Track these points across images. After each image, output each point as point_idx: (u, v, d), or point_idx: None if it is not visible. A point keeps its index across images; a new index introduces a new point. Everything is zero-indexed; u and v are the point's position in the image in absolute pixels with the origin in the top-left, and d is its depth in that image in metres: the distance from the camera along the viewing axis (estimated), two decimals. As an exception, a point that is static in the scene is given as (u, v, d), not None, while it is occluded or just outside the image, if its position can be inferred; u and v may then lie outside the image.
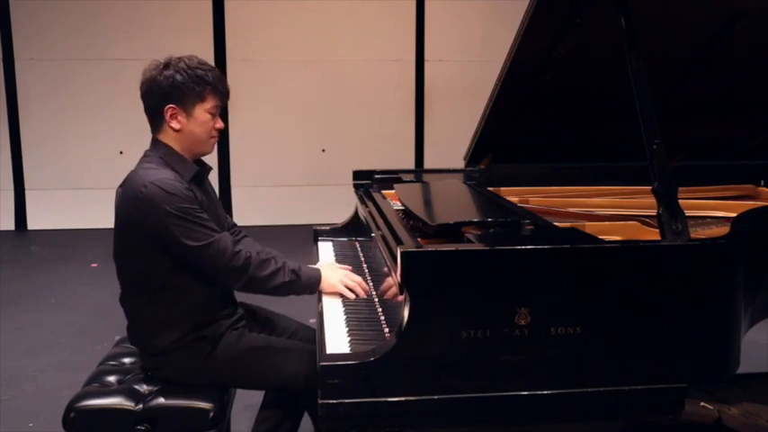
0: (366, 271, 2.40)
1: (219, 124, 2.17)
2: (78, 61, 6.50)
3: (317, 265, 2.31)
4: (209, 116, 2.11)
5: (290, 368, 2.10)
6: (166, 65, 2.09)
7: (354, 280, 2.18)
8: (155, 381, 2.13)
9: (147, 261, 2.05)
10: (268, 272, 2.05)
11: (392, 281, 1.88)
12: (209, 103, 2.11)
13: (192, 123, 2.10)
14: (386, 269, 1.98)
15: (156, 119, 2.13)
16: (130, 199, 2.02)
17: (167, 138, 2.12)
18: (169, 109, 2.08)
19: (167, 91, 2.07)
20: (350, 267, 2.32)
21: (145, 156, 2.15)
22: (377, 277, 2.25)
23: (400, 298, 1.74)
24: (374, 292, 2.19)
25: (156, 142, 2.15)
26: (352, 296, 2.14)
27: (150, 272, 2.06)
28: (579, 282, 1.72)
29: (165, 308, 2.08)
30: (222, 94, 2.14)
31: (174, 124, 2.10)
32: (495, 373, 1.68)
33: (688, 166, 2.79)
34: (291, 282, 2.09)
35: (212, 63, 7.05)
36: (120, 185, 2.12)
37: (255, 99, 6.70)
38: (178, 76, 2.06)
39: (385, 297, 2.02)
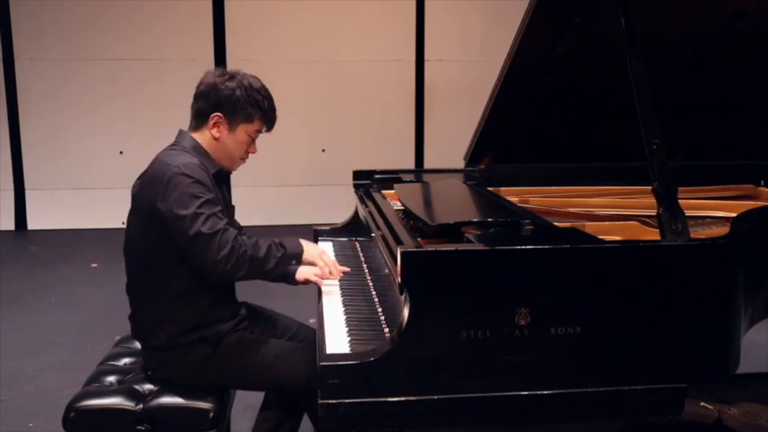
0: (366, 271, 2.40)
1: (254, 149, 2.23)
2: (78, 61, 6.50)
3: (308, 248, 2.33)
4: (248, 138, 2.18)
5: (290, 368, 2.10)
6: (231, 77, 2.15)
7: (327, 261, 2.21)
8: (155, 381, 2.13)
9: (156, 252, 2.05)
10: (263, 252, 2.06)
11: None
12: (254, 127, 2.17)
13: (231, 138, 2.16)
14: (386, 270, 1.98)
15: (200, 120, 2.17)
16: (152, 181, 2.05)
17: (203, 139, 2.17)
18: (216, 116, 2.13)
19: (222, 101, 2.12)
20: (348, 269, 2.33)
21: (172, 145, 2.18)
22: (377, 277, 2.25)
23: (400, 298, 1.74)
24: (374, 292, 2.19)
25: (185, 135, 2.19)
26: (326, 273, 2.17)
27: (158, 262, 2.06)
28: (579, 282, 1.72)
29: (168, 302, 2.08)
30: (268, 124, 2.21)
31: (215, 132, 2.15)
32: (495, 373, 1.68)
33: (688, 166, 2.79)
34: (282, 256, 2.10)
35: (212, 63, 7.08)
36: (139, 177, 2.15)
37: (255, 99, 6.69)
38: (238, 92, 2.12)
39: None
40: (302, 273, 2.15)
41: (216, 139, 2.16)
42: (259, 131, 2.20)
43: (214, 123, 2.14)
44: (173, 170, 2.01)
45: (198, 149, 2.15)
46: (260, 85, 2.18)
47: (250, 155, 2.24)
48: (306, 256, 2.18)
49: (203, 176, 2.05)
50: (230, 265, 1.98)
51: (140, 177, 2.15)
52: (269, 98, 2.19)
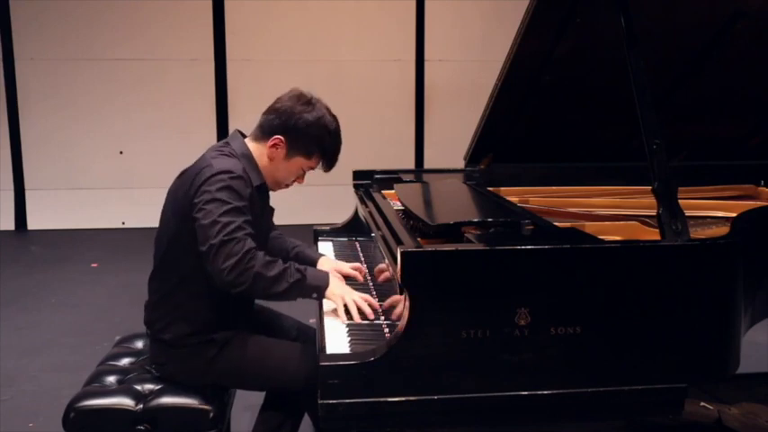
0: (366, 271, 2.39)
1: (301, 181, 2.22)
2: (78, 61, 6.50)
3: (323, 264, 2.31)
4: (300, 171, 2.18)
5: (291, 368, 2.09)
6: (312, 108, 2.13)
7: (356, 301, 2.02)
8: (155, 380, 2.13)
9: (182, 246, 2.04)
10: (274, 273, 1.96)
11: (398, 301, 1.80)
12: (309, 164, 2.17)
13: (284, 164, 2.15)
14: (386, 268, 1.98)
15: (263, 134, 2.15)
16: (191, 177, 2.03)
17: (256, 150, 2.15)
18: (278, 139, 2.11)
19: (291, 128, 2.11)
20: (359, 275, 2.28)
21: (222, 145, 2.16)
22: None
23: (401, 298, 1.74)
24: (374, 292, 2.19)
25: (239, 139, 2.16)
26: (343, 315, 2.00)
27: (183, 259, 2.05)
28: (579, 282, 1.72)
29: (187, 299, 2.07)
30: (326, 164, 2.19)
31: (272, 152, 2.13)
32: (495, 373, 1.68)
33: (688, 166, 2.79)
34: (297, 282, 1.99)
35: (212, 63, 7.06)
36: (182, 172, 2.14)
37: (255, 99, 6.65)
38: (311, 129, 2.11)
39: (392, 318, 1.95)
40: (333, 294, 2.04)
41: (270, 159, 2.13)
42: (313, 168, 2.19)
43: (274, 144, 2.11)
44: (213, 171, 1.99)
45: (247, 157, 2.12)
46: (335, 127, 2.15)
47: (296, 184, 2.22)
48: (329, 293, 2.04)
49: (239, 185, 2.00)
50: (233, 276, 1.91)
51: (183, 172, 2.13)
52: (337, 143, 2.16)
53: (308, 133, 2.11)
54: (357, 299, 2.02)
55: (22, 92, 6.50)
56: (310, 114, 2.11)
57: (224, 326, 2.10)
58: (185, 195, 2.03)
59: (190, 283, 2.07)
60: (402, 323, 1.67)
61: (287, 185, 2.23)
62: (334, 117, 2.17)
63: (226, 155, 2.10)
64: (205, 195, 1.97)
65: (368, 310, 1.99)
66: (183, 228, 2.03)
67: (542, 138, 2.90)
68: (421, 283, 1.66)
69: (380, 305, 2.05)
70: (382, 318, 2.03)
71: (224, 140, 2.19)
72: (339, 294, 2.05)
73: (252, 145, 2.16)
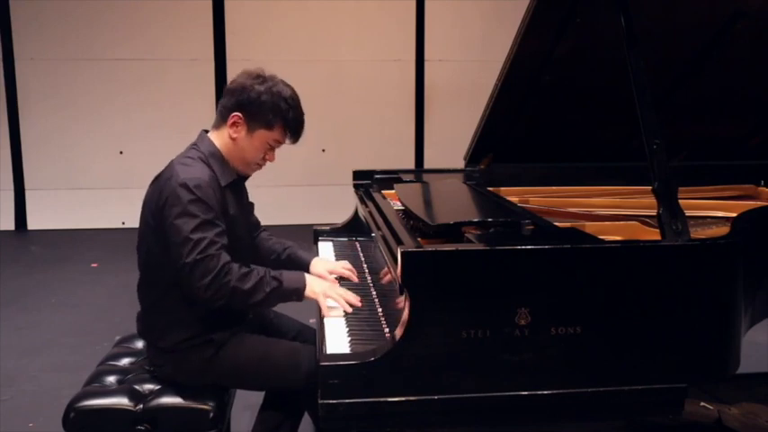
0: (366, 271, 2.40)
1: (271, 157, 2.18)
2: (78, 61, 6.50)
3: (316, 265, 2.31)
4: (266, 145, 2.13)
5: (290, 369, 2.09)
6: (263, 81, 2.10)
7: (338, 293, 2.08)
8: (155, 381, 2.13)
9: (164, 253, 2.03)
10: (250, 284, 1.98)
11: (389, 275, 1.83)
12: (272, 136, 2.12)
13: (248, 141, 2.11)
14: (386, 269, 1.98)
15: (221, 118, 2.14)
16: (160, 188, 2.03)
17: (219, 138, 2.13)
18: (236, 116, 2.09)
19: (246, 102, 2.08)
20: (353, 275, 2.30)
21: (190, 148, 2.15)
22: (377, 277, 2.25)
23: (400, 298, 1.74)
24: (374, 292, 2.19)
25: (205, 137, 2.15)
26: (326, 309, 2.04)
27: (167, 265, 2.04)
28: (579, 282, 1.72)
29: (177, 305, 2.07)
30: (291, 135, 2.14)
31: (233, 132, 2.11)
32: (495, 373, 1.68)
33: (688, 166, 2.79)
34: (274, 289, 2.02)
35: (212, 63, 7.06)
36: (154, 179, 2.13)
37: (255, 99, 6.70)
38: (264, 96, 2.07)
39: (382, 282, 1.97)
40: (313, 292, 2.07)
41: (233, 139, 2.11)
42: (280, 141, 2.14)
43: (233, 123, 2.10)
44: (179, 182, 1.98)
45: (215, 156, 2.11)
46: (290, 94, 2.11)
47: (268, 162, 2.19)
48: (308, 293, 2.07)
49: (208, 194, 1.99)
50: (210, 293, 1.94)
51: (154, 180, 2.12)
52: (296, 108, 2.12)
53: (263, 103, 2.07)
54: (340, 291, 2.07)
55: (22, 92, 6.50)
56: (263, 86, 2.08)
57: (220, 326, 2.10)
58: (157, 205, 2.03)
59: (176, 289, 2.06)
60: (402, 323, 1.67)
61: (258, 165, 2.18)
62: (288, 86, 2.13)
63: (193, 159, 2.08)
64: (174, 210, 1.96)
65: (353, 299, 2.04)
66: (161, 235, 2.03)
67: (542, 138, 2.90)
68: (421, 283, 1.66)
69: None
70: (376, 300, 2.07)
71: (192, 143, 2.17)
72: (319, 292, 2.07)
73: (215, 135, 2.14)
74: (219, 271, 1.94)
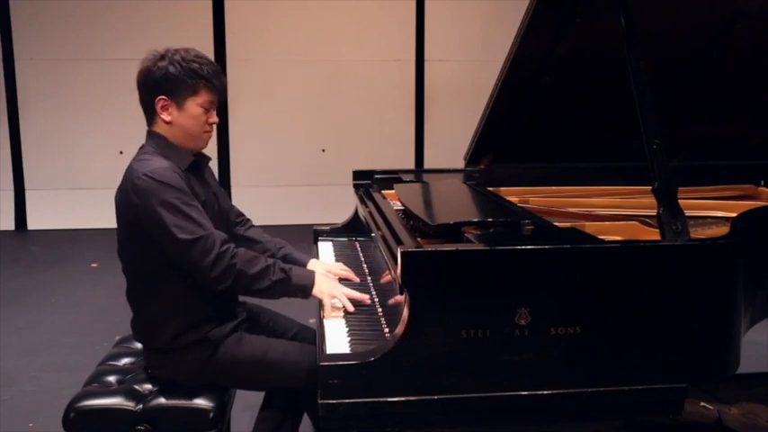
0: (366, 271, 2.39)
1: (213, 119, 2.14)
2: (78, 61, 6.50)
3: (314, 266, 2.30)
4: (201, 110, 2.09)
5: (290, 368, 2.09)
6: (162, 56, 2.08)
7: (344, 292, 2.07)
8: (155, 381, 2.13)
9: (147, 255, 2.04)
10: (256, 270, 1.99)
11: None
12: (202, 98, 2.08)
13: (184, 116, 2.08)
14: (386, 269, 1.98)
15: (149, 110, 2.12)
16: (126, 191, 2.02)
17: (161, 129, 2.11)
18: (160, 100, 2.07)
19: (160, 82, 2.06)
20: (351, 275, 2.30)
21: (141, 148, 2.14)
22: (377, 277, 2.25)
23: (400, 298, 1.74)
24: (374, 292, 2.19)
25: (150, 134, 2.14)
26: (329, 311, 2.03)
27: (151, 266, 2.05)
28: (579, 282, 1.72)
29: (168, 303, 2.07)
30: (217, 89, 2.10)
31: (165, 116, 2.08)
32: (495, 373, 1.68)
33: (688, 166, 2.79)
34: (280, 280, 2.02)
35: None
36: (119, 186, 2.12)
37: (255, 99, 6.70)
38: (171, 68, 2.05)
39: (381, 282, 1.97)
40: (320, 291, 2.06)
41: (169, 123, 2.08)
42: (212, 101, 2.11)
43: (161, 108, 2.07)
44: (142, 177, 1.97)
45: (165, 146, 2.09)
46: (194, 53, 2.08)
47: (215, 126, 2.15)
48: (315, 291, 2.06)
49: (174, 178, 1.99)
50: (216, 273, 1.95)
51: (119, 187, 2.09)
52: (208, 62, 2.08)
53: (175, 75, 2.04)
54: (347, 291, 2.07)
55: (22, 92, 6.51)
56: (164, 60, 2.06)
57: (211, 321, 2.10)
58: (129, 210, 2.01)
59: (162, 289, 2.06)
60: (402, 323, 1.66)
61: (207, 132, 2.14)
62: (184, 48, 2.11)
63: (148, 154, 2.06)
64: (150, 201, 1.95)
65: (360, 297, 2.05)
66: (140, 239, 2.02)
67: (542, 138, 2.90)
68: (421, 283, 1.66)
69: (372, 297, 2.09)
70: (376, 300, 2.07)
71: (140, 146, 2.15)
72: (326, 292, 2.07)
73: (155, 129, 2.12)
74: (224, 252, 1.96)
